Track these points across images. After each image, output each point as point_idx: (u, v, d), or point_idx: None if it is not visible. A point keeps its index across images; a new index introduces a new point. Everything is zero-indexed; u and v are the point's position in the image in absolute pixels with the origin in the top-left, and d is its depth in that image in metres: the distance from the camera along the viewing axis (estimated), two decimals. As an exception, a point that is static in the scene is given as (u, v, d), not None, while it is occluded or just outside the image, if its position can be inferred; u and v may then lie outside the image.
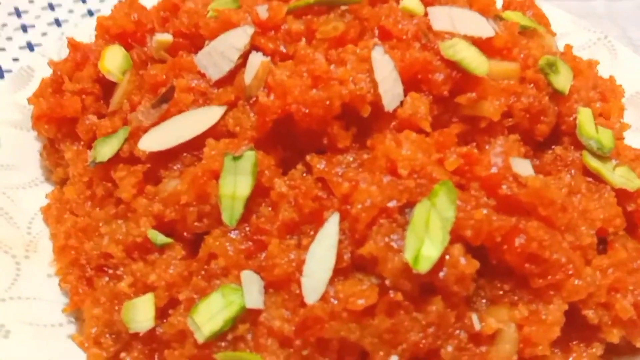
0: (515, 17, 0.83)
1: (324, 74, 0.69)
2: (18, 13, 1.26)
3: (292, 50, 0.74)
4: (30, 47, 1.20)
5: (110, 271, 0.72)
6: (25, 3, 1.29)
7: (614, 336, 0.69)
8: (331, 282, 0.64)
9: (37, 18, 1.26)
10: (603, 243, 0.74)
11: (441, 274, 0.63)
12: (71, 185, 0.81)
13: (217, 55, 0.75)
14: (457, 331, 0.65)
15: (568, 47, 0.88)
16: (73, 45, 0.88)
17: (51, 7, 1.28)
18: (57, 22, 1.25)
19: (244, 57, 0.74)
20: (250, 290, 0.65)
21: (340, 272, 0.65)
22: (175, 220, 0.70)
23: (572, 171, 0.76)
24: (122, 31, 0.88)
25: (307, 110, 0.68)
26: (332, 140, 0.70)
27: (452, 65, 0.71)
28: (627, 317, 0.68)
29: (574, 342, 0.71)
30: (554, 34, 0.88)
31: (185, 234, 0.71)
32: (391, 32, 0.73)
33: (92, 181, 0.79)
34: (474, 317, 0.65)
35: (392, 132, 0.68)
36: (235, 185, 0.68)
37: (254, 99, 0.72)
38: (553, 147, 0.78)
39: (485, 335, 0.65)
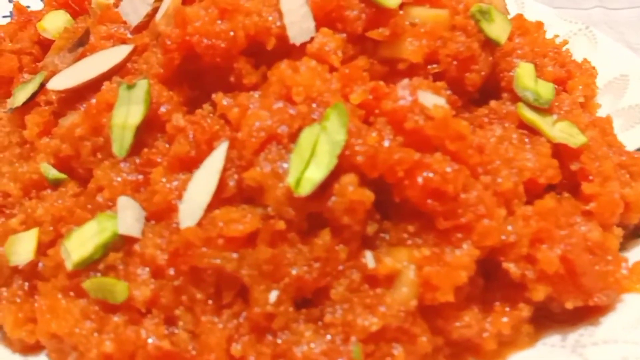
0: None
1: (230, 6, 0.66)
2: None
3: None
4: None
5: (8, 211, 0.69)
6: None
7: (539, 293, 0.61)
8: (211, 209, 0.59)
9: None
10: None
11: (329, 203, 0.58)
12: (-6, 136, 0.79)
13: (137, 1, 0.74)
14: (350, 270, 0.59)
15: (519, 14, 0.83)
16: (18, 8, 0.89)
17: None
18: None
19: (162, 1, 0.73)
20: (125, 216, 0.60)
21: (224, 202, 0.60)
22: (71, 156, 0.67)
23: (506, 124, 0.70)
24: (68, -1, 0.88)
25: (210, 43, 0.65)
26: (239, 77, 0.67)
27: (366, 1, 0.67)
28: (552, 270, 0.60)
29: (498, 303, 0.63)
30: (503, -2, 0.83)
31: (80, 170, 0.67)
32: (311, -25, 0.70)
33: (10, 132, 0.77)
34: (369, 255, 0.59)
35: (291, 60, 0.64)
36: (128, 114, 0.64)
37: (160, 40, 0.69)
38: (490, 102, 0.72)
39: (381, 276, 0.59)
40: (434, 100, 0.62)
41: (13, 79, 0.84)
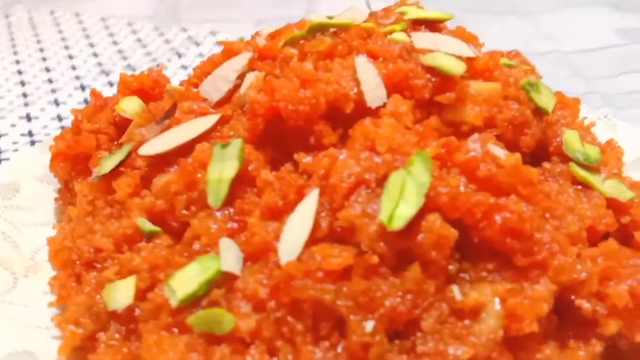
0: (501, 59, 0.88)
1: (311, 77, 0.74)
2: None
3: (287, 72, 0.80)
4: (59, 118, 1.34)
5: (100, 265, 0.73)
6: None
7: (611, 327, 0.65)
8: (308, 246, 0.64)
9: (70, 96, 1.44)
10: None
11: (418, 238, 0.63)
12: (75, 206, 0.84)
13: (218, 80, 0.82)
14: (438, 303, 0.63)
15: (559, 91, 0.92)
16: (94, 94, 0.97)
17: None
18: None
19: (242, 79, 0.81)
20: (227, 256, 0.65)
21: (318, 242, 0.64)
22: (165, 210, 0.72)
23: (561, 181, 0.76)
24: (141, 87, 0.96)
25: (294, 108, 0.73)
26: (319, 137, 0.74)
27: (432, 71, 0.76)
28: (623, 304, 0.65)
29: (571, 340, 0.66)
30: (540, 77, 0.92)
31: (174, 224, 0.72)
32: (377, 54, 0.79)
33: (94, 199, 0.82)
34: (455, 288, 0.63)
35: (372, 118, 0.71)
36: (222, 169, 0.70)
37: (247, 106, 0.77)
38: (542, 164, 0.79)
39: (468, 309, 0.63)
40: (502, 152, 0.69)
41: (91, 156, 0.90)
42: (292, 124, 0.74)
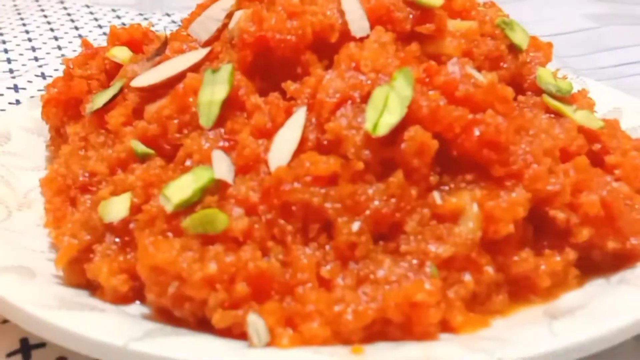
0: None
1: (298, 9, 0.78)
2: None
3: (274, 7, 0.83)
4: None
5: (94, 189, 0.75)
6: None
7: (583, 235, 0.69)
8: (296, 155, 0.67)
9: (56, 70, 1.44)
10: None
11: (401, 147, 0.66)
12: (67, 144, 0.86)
13: (207, 20, 0.85)
14: (420, 207, 0.66)
15: (533, 36, 0.96)
16: (85, 43, 0.99)
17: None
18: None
19: (230, 18, 0.84)
20: (220, 165, 0.68)
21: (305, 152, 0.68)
22: (158, 134, 0.75)
23: (534, 111, 0.80)
24: (131, 38, 0.99)
25: (282, 37, 0.76)
26: (305, 67, 0.77)
27: (412, 4, 0.80)
28: (594, 212, 0.69)
29: (546, 249, 0.70)
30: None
31: (166, 146, 0.75)
32: (360, -7, 0.83)
33: (87, 135, 0.84)
34: (436, 194, 0.67)
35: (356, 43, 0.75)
36: (213, 92, 0.73)
37: (235, 39, 0.80)
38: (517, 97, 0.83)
39: (448, 213, 0.66)
40: (479, 74, 0.73)
41: (82, 101, 0.93)
42: (280, 54, 0.77)
